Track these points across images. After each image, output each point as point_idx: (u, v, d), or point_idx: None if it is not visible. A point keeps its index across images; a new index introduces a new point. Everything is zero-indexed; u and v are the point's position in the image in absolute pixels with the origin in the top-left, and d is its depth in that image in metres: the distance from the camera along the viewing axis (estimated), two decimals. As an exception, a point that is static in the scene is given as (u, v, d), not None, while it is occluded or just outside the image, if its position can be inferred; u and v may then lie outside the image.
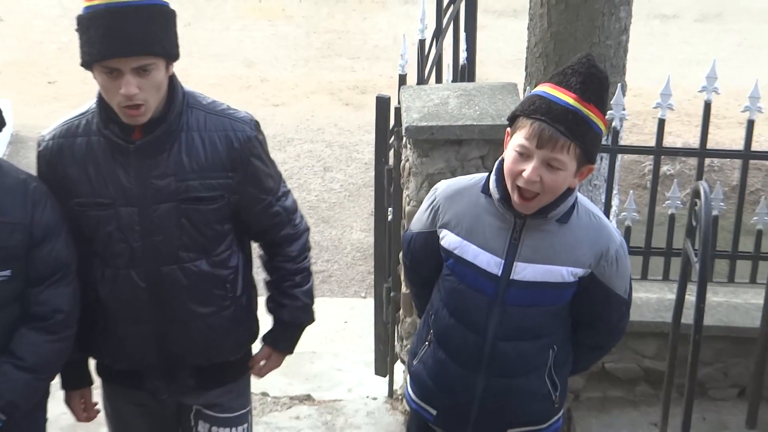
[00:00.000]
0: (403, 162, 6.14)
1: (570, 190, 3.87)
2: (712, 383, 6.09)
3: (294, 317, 4.38)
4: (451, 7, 7.27)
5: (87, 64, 3.85)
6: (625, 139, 6.23)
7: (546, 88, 3.79)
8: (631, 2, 7.05)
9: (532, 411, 4.13)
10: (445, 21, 7.13)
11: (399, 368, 6.73)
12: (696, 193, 5.03)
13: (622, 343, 6.00)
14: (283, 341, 4.43)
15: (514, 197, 3.81)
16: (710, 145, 6.06)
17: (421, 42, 6.75)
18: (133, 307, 4.08)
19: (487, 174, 3.98)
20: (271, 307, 4.39)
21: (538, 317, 3.99)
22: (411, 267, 4.32)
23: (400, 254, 4.64)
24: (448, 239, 4.01)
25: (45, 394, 4.35)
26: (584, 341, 4.18)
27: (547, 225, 3.89)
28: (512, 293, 3.94)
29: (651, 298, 6.11)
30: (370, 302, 7.45)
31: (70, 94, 11.74)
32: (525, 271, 3.91)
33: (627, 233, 6.26)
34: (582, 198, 4.00)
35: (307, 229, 4.36)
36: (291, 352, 4.48)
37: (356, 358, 6.88)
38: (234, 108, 4.11)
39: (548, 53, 7.09)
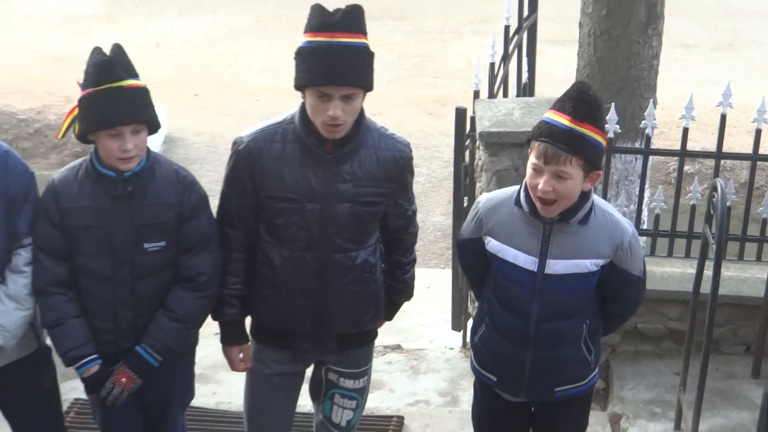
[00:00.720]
0: (476, 160, 6.15)
1: (586, 197, 3.86)
2: (723, 341, 6.05)
3: (399, 297, 4.41)
4: (516, 37, 7.24)
5: (301, 87, 3.87)
6: (655, 144, 6.18)
7: (549, 114, 3.77)
8: (662, 34, 6.99)
9: (572, 373, 4.10)
10: (510, 48, 7.10)
11: (471, 324, 6.73)
12: (714, 188, 4.98)
13: (651, 308, 6.02)
14: (388, 314, 4.42)
15: (538, 205, 3.81)
16: (724, 149, 6.00)
17: (492, 65, 6.74)
18: (302, 283, 4.07)
19: (518, 188, 3.96)
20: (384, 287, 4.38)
21: (570, 301, 3.97)
22: (466, 265, 4.33)
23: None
24: (492, 244, 4.00)
25: (193, 342, 4.39)
26: (610, 312, 4.14)
27: (570, 227, 3.86)
28: (547, 285, 3.92)
29: (675, 272, 6.07)
30: (448, 272, 7.44)
31: (211, 104, 11.84)
32: (556, 266, 3.90)
33: (656, 220, 6.23)
34: (598, 200, 3.97)
35: (416, 235, 4.36)
36: (391, 319, 4.50)
37: (437, 316, 6.89)
38: (394, 133, 4.14)
39: (593, 74, 7.05)
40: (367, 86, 3.88)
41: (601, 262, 3.90)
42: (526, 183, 3.88)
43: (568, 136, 3.69)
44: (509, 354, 4.06)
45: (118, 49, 3.95)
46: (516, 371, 4.07)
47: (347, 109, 3.82)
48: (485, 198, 4.10)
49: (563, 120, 3.70)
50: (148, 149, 4.05)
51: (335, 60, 3.77)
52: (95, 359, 4.10)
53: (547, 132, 3.72)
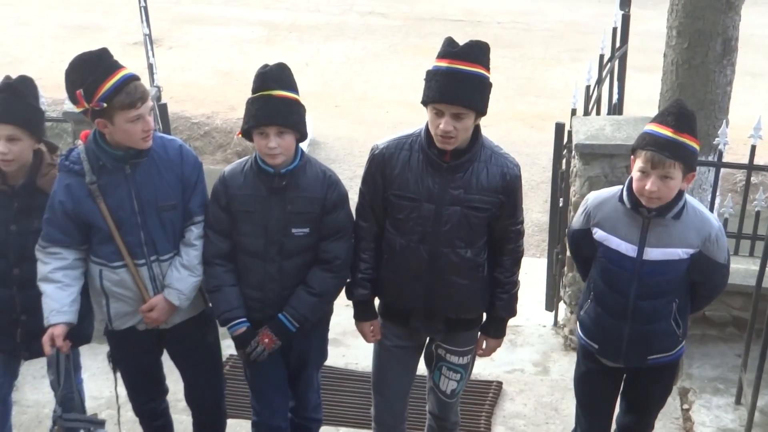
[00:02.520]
0: (572, 168, 6.09)
1: (680, 195, 3.88)
2: (781, 329, 5.89)
3: (500, 314, 4.29)
4: (609, 64, 7.16)
5: (424, 103, 3.90)
6: (725, 158, 6.06)
7: (652, 127, 3.83)
8: (735, 63, 6.84)
9: (664, 344, 4.12)
10: (604, 73, 7.02)
11: (562, 306, 6.67)
12: (778, 197, 4.90)
13: (718, 298, 5.87)
14: (493, 330, 4.34)
15: (644, 201, 3.85)
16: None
17: (587, 87, 6.68)
18: (415, 270, 4.08)
19: (621, 187, 4.00)
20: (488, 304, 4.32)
21: (664, 283, 3.99)
22: (575, 251, 4.34)
23: (566, 238, 4.60)
24: (599, 234, 4.04)
25: (328, 313, 4.42)
26: (699, 293, 4.15)
27: (665, 221, 3.89)
28: (645, 269, 3.95)
29: (740, 268, 5.94)
30: (543, 261, 7.40)
31: (348, 114, 11.91)
32: (652, 253, 3.93)
33: (725, 223, 6.10)
34: (689, 198, 3.98)
35: (523, 253, 4.27)
36: (500, 337, 4.38)
37: (532, 298, 6.84)
38: (507, 153, 4.10)
39: (675, 98, 6.92)
40: (477, 108, 3.84)
41: (691, 251, 3.93)
42: (629, 182, 3.92)
43: (671, 145, 3.74)
44: (610, 326, 4.09)
45: (277, 65, 4.02)
46: (616, 341, 4.10)
47: (458, 125, 3.81)
48: (593, 195, 4.13)
49: (666, 132, 3.76)
50: (302, 151, 4.11)
51: (449, 82, 3.77)
52: (244, 322, 4.19)
53: (653, 142, 3.77)
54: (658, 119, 3.84)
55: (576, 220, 4.20)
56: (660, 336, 4.09)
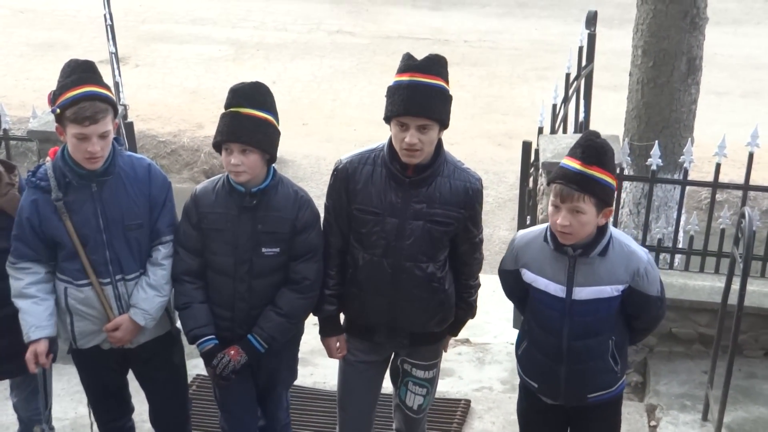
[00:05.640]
0: (539, 185, 6.11)
1: (603, 232, 3.83)
2: (746, 346, 5.94)
3: (463, 316, 4.37)
4: (575, 83, 7.21)
5: (387, 118, 3.91)
6: (691, 176, 6.11)
7: (564, 160, 3.77)
8: (700, 82, 6.92)
9: (602, 382, 4.04)
10: (570, 91, 7.06)
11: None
12: (742, 215, 4.92)
13: (684, 315, 5.93)
14: (453, 329, 4.41)
15: (559, 239, 3.80)
16: (750, 182, 5.93)
17: (554, 105, 6.72)
18: (378, 284, 4.09)
19: (546, 226, 3.93)
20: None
21: (596, 322, 3.92)
22: (507, 291, 4.27)
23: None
24: (527, 275, 3.98)
25: (298, 333, 4.41)
26: (635, 327, 4.09)
27: (591, 259, 3.83)
28: (575, 308, 3.88)
29: (705, 285, 5.99)
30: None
31: (316, 132, 11.90)
32: (581, 293, 3.86)
33: (691, 240, 6.15)
34: (615, 233, 3.92)
35: (482, 261, 4.31)
36: (456, 335, 4.49)
37: (500, 315, 6.84)
38: (469, 168, 4.12)
39: (640, 115, 7.00)
40: (441, 120, 3.86)
41: (620, 287, 3.86)
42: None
43: (579, 177, 3.68)
44: (546, 366, 4.02)
45: (253, 84, 4.03)
46: (553, 381, 4.03)
47: (423, 138, 3.83)
48: (519, 235, 4.09)
49: (574, 164, 3.70)
50: (275, 171, 4.10)
51: (413, 95, 3.79)
52: (212, 339, 4.17)
53: (562, 175, 3.72)
54: (570, 152, 3.78)
55: (505, 260, 4.13)
56: (598, 374, 4.00)
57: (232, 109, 3.97)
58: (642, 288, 3.88)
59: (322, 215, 4.21)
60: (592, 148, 3.71)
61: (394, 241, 4.02)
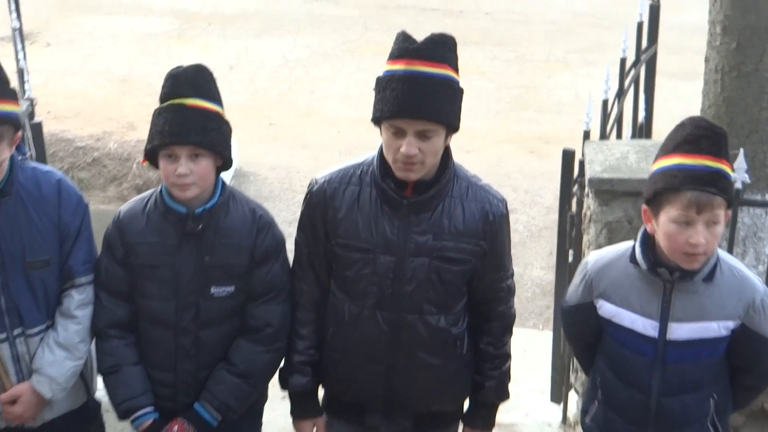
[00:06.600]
0: (584, 210, 6.11)
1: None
2: None
3: (490, 398, 4.28)
4: (633, 69, 7.21)
5: (376, 120, 3.87)
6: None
7: (678, 160, 3.73)
8: (799, 71, 6.92)
9: None
10: (626, 82, 7.07)
11: (573, 397, 6.67)
12: None
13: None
14: (481, 419, 4.32)
15: (685, 264, 3.76)
16: None
17: (604, 102, 6.71)
18: (371, 347, 4.06)
19: (630, 245, 3.94)
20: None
21: (696, 371, 3.91)
22: (572, 334, 4.29)
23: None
24: (605, 308, 3.97)
25: (260, 399, 4.41)
26: (742, 383, 4.07)
27: (693, 286, 3.82)
28: (670, 352, 3.88)
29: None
30: (548, 334, 7.40)
31: (287, 135, 11.94)
32: (679, 331, 3.85)
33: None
34: (723, 254, 3.92)
35: (515, 317, 4.28)
36: (489, 429, 4.36)
37: (533, 385, 6.82)
38: (489, 185, 4.09)
39: (720, 115, 6.97)
40: (449, 123, 3.83)
41: (731, 324, 3.86)
42: (642, 236, 3.86)
43: (715, 177, 3.67)
44: None
45: (194, 66, 4.02)
46: None
47: (424, 147, 3.80)
48: (594, 257, 4.07)
49: (704, 161, 3.69)
50: (224, 184, 4.10)
51: (410, 90, 3.75)
52: (150, 413, 4.16)
53: (690, 178, 3.67)
54: (687, 148, 3.74)
55: (572, 292, 4.13)
56: None
57: (173, 101, 3.96)
58: (757, 327, 3.88)
59: (292, 247, 4.20)
60: (719, 137, 3.73)
61: (390, 286, 3.99)
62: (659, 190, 3.76)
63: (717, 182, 3.67)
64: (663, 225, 3.76)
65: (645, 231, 3.87)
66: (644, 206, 3.84)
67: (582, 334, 4.17)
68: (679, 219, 3.70)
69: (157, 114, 3.99)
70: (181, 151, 3.95)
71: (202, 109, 3.97)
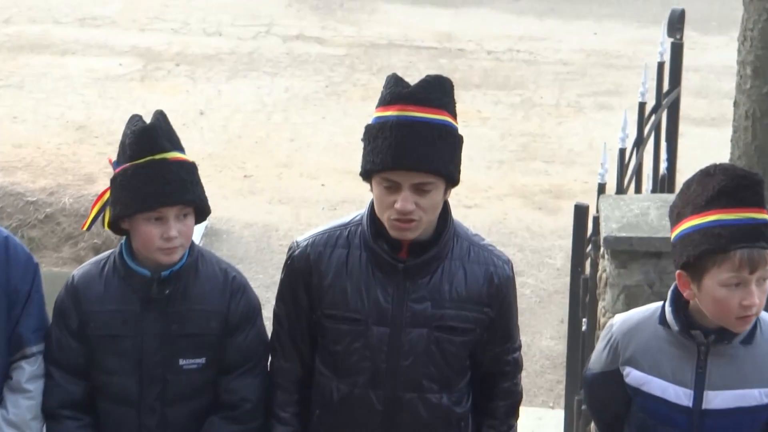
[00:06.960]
0: (599, 272, 6.12)
1: None
2: None
3: None
4: (653, 115, 7.25)
5: (366, 173, 3.89)
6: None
7: (718, 216, 3.71)
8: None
9: None
10: (646, 130, 7.10)
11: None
12: None
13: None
14: None
15: (737, 327, 3.77)
16: None
17: (621, 151, 6.74)
18: (364, 431, 4.05)
19: (660, 305, 3.94)
20: None
21: None
22: (596, 406, 4.26)
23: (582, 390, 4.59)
24: (633, 376, 3.96)
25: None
26: None
27: (731, 349, 3.83)
28: (707, 424, 3.87)
29: None
30: (559, 413, 7.38)
31: (265, 188, 11.92)
32: (716, 400, 3.85)
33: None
34: (762, 314, 3.90)
35: (522, 394, 4.28)
36: None
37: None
38: (493, 245, 4.11)
39: (752, 166, 6.99)
40: (449, 175, 3.85)
41: None
42: (673, 295, 3.87)
43: (763, 230, 3.69)
44: None
45: (161, 115, 4.05)
46: None
47: (422, 203, 3.81)
48: (620, 319, 4.07)
49: (749, 214, 3.70)
50: (192, 242, 4.11)
51: (405, 138, 3.77)
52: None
53: (738, 236, 3.68)
54: (724, 201, 3.72)
55: (596, 358, 4.12)
56: None
57: (153, 157, 3.97)
58: None
59: (269, 315, 4.19)
60: (758, 185, 3.74)
61: (385, 361, 3.99)
62: (703, 253, 3.74)
63: (766, 235, 3.69)
64: (710, 290, 3.76)
65: (675, 289, 3.88)
66: (680, 271, 3.83)
67: (608, 404, 4.14)
68: (731, 281, 3.71)
69: (132, 174, 3.97)
70: (170, 212, 3.96)
71: (183, 162, 4.02)
